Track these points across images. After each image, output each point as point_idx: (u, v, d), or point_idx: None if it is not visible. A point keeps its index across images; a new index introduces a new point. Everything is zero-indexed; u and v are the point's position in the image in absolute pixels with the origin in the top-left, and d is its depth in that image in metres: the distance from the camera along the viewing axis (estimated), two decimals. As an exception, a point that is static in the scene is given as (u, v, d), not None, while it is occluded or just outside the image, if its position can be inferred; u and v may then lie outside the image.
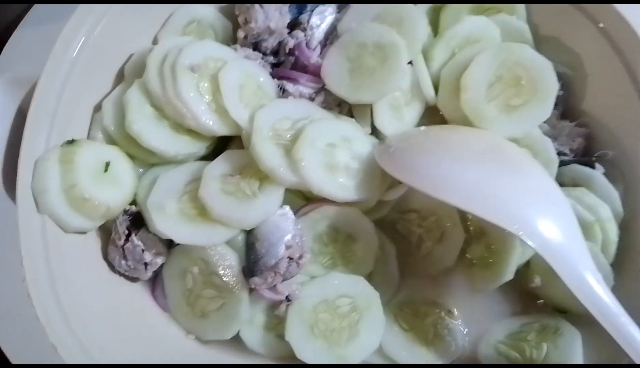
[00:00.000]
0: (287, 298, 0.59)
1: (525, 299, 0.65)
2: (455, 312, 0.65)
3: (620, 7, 0.62)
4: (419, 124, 0.67)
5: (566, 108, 0.71)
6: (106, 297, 0.59)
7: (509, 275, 0.61)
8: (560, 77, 0.67)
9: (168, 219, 0.58)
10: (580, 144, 0.68)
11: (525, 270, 0.64)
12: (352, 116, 0.66)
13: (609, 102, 0.66)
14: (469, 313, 0.65)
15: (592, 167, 0.66)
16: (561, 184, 0.64)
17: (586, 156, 0.68)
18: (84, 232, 0.59)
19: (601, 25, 0.64)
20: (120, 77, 0.66)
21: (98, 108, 0.63)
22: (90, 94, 0.63)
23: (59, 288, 0.52)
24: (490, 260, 0.63)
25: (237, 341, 0.61)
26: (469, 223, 0.65)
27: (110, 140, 0.62)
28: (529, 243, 0.52)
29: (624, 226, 0.63)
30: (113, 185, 0.58)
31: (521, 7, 0.68)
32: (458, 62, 0.65)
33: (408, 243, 0.66)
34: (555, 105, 0.67)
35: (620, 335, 0.49)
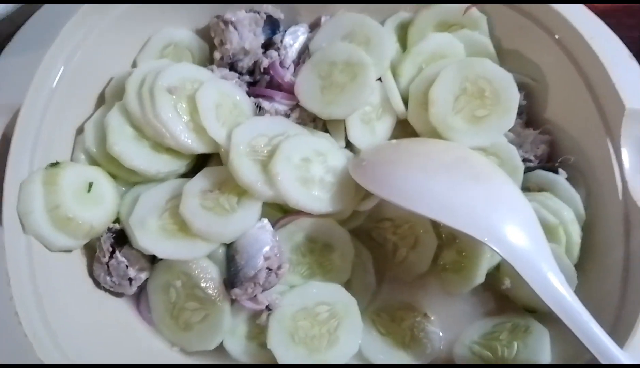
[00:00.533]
0: (268, 308, 0.60)
1: (497, 301, 0.67)
2: (431, 315, 0.66)
3: (573, 19, 0.65)
4: (391, 137, 0.70)
5: (530, 117, 0.74)
6: (92, 312, 0.60)
7: (480, 278, 0.64)
8: (523, 87, 0.72)
9: (150, 235, 0.59)
10: (544, 151, 0.71)
11: (495, 273, 0.66)
12: (327, 131, 0.68)
13: (569, 109, 0.69)
14: (444, 316, 0.67)
15: (556, 172, 0.68)
16: (527, 189, 0.69)
17: (550, 162, 0.71)
18: (69, 251, 0.60)
19: (557, 36, 0.67)
20: (101, 100, 0.67)
21: (80, 130, 0.64)
22: (72, 117, 0.64)
23: (46, 305, 0.53)
24: (462, 265, 0.65)
25: (220, 351, 0.62)
26: (441, 230, 0.67)
27: (93, 161, 0.63)
28: (495, 249, 0.54)
29: (587, 228, 0.65)
30: (96, 205, 0.60)
31: (483, 23, 0.71)
32: (425, 77, 0.68)
33: (383, 250, 0.68)
34: (519, 114, 0.71)
35: (582, 332, 0.51)
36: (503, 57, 0.72)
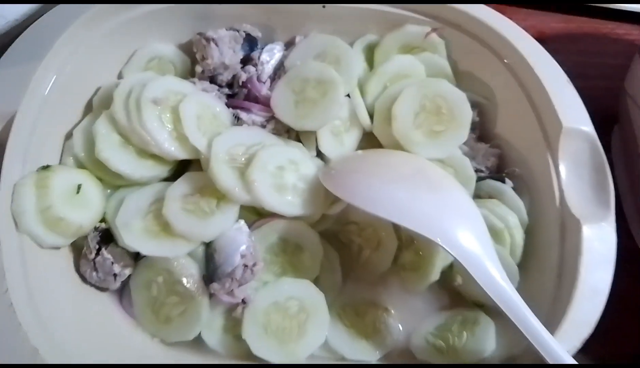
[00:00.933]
0: (243, 301, 0.64)
1: (450, 297, 0.71)
2: (391, 310, 0.70)
3: (520, 46, 0.71)
4: (358, 148, 0.74)
5: (482, 132, 0.78)
6: (79, 305, 0.63)
7: (435, 276, 0.67)
8: (476, 105, 0.77)
9: (135, 235, 0.62)
10: (494, 163, 0.75)
11: (449, 271, 0.69)
12: (300, 141, 0.72)
13: (516, 126, 0.75)
14: (403, 311, 0.70)
15: (503, 181, 0.73)
16: (478, 196, 0.73)
17: (498, 173, 0.75)
18: (57, 248, 0.63)
19: (506, 61, 0.73)
20: (88, 108, 0.70)
21: (69, 136, 0.67)
22: (62, 124, 0.67)
23: (37, 298, 0.56)
24: (419, 264, 0.69)
25: (198, 342, 0.65)
26: (401, 233, 0.71)
27: (80, 165, 0.66)
28: (447, 249, 0.59)
29: (529, 232, 0.70)
30: (84, 206, 0.63)
31: (442, 47, 0.77)
32: (389, 95, 0.72)
33: (349, 251, 0.71)
34: (473, 129, 0.76)
35: (520, 322, 0.56)
36: (459, 77, 0.77)
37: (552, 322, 0.60)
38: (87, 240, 0.64)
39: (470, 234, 0.61)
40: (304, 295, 0.66)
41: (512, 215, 0.70)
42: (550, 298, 0.64)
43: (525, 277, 0.67)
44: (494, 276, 0.59)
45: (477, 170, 0.74)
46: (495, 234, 0.68)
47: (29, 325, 0.55)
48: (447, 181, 0.67)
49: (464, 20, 0.75)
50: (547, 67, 0.71)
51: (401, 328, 0.71)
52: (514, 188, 0.73)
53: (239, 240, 0.64)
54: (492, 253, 0.61)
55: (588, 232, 0.63)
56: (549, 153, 0.69)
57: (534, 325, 0.56)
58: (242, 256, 0.63)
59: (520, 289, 0.59)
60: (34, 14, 0.63)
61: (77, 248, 0.66)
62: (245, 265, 0.63)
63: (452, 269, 0.71)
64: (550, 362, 0.55)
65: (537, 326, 0.56)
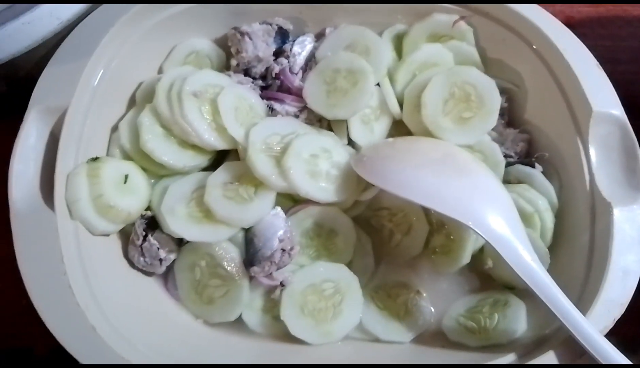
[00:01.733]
0: (281, 284, 0.66)
1: (481, 280, 0.72)
2: (423, 292, 0.71)
3: (549, 32, 0.71)
4: (388, 136, 0.74)
5: (510, 118, 0.79)
6: (128, 288, 0.66)
7: (466, 259, 0.68)
8: (505, 92, 0.77)
9: (179, 221, 0.65)
10: (523, 148, 0.76)
11: (479, 255, 0.70)
12: (331, 130, 0.72)
13: (545, 111, 0.75)
14: (434, 293, 0.71)
15: (532, 166, 0.73)
16: (508, 181, 0.74)
17: (527, 158, 0.75)
18: (107, 235, 0.66)
19: (535, 47, 0.73)
20: (132, 102, 0.73)
21: (114, 129, 0.70)
22: (109, 118, 0.70)
23: (92, 280, 0.60)
24: (450, 248, 0.70)
25: (239, 323, 0.68)
26: (431, 217, 0.72)
27: (126, 156, 0.68)
28: (477, 231, 0.60)
29: (559, 215, 0.70)
30: (132, 194, 0.65)
31: (470, 35, 0.77)
32: (418, 83, 0.73)
33: (381, 236, 0.72)
34: (501, 115, 0.77)
35: (552, 303, 0.57)
36: (487, 65, 0.77)
37: (583, 303, 0.61)
38: (134, 227, 0.66)
39: (500, 217, 0.62)
40: (339, 277, 0.68)
41: (542, 199, 0.70)
42: (581, 280, 0.64)
43: (555, 260, 0.68)
44: (525, 258, 0.60)
45: (506, 156, 0.74)
46: (525, 218, 0.68)
47: (86, 305, 0.58)
48: (476, 165, 0.67)
49: (492, 7, 0.75)
50: (576, 52, 0.71)
51: (433, 310, 0.72)
52: (544, 173, 0.73)
53: (277, 225, 0.66)
54: (523, 235, 0.62)
55: (619, 214, 0.64)
56: (579, 137, 0.69)
57: (566, 306, 0.57)
58: (280, 240, 0.65)
59: (550, 272, 0.59)
60: (83, 14, 0.66)
61: (125, 235, 0.69)
62: (283, 249, 0.65)
63: (482, 252, 0.72)
64: (582, 341, 0.56)
65: (569, 306, 0.57)
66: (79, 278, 0.59)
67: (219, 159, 0.72)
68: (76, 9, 0.65)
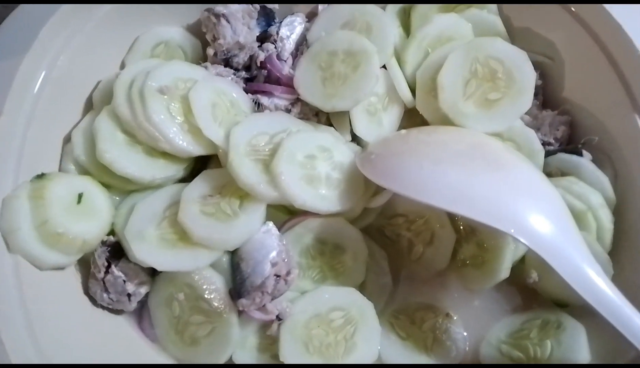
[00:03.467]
0: (278, 317, 0.58)
1: (524, 295, 0.65)
2: (453, 315, 0.64)
3: None
4: (400, 127, 0.68)
5: (546, 97, 0.72)
6: (90, 333, 0.57)
7: (505, 273, 0.61)
8: (537, 66, 0.69)
9: (148, 247, 0.57)
10: (564, 132, 0.69)
11: (520, 265, 0.63)
12: (331, 125, 0.66)
13: (589, 87, 0.67)
14: (467, 315, 0.65)
15: (579, 154, 0.66)
16: (548, 174, 0.66)
17: (571, 144, 0.69)
18: (61, 268, 0.57)
19: (573, 8, 0.64)
20: (89, 106, 0.65)
21: (68, 139, 0.62)
22: (59, 126, 0.62)
23: (37, 329, 0.51)
24: (484, 259, 0.63)
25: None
26: (458, 223, 0.65)
27: (83, 171, 0.61)
28: (521, 240, 0.51)
29: (617, 211, 0.63)
30: (88, 217, 0.58)
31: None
32: (432, 63, 0.66)
33: (398, 248, 0.66)
34: (535, 95, 0.69)
35: (625, 327, 0.49)
36: (514, 36, 0.71)
37: None
38: (94, 256, 0.59)
39: (548, 219, 0.53)
40: (349, 303, 0.61)
41: (594, 194, 0.63)
42: None
43: (619, 269, 0.60)
44: (585, 270, 0.52)
45: (544, 143, 0.67)
46: (576, 218, 0.59)
47: (26, 362, 0.48)
48: (510, 156, 0.59)
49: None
50: (628, 9, 0.61)
51: (467, 337, 0.64)
52: (593, 161, 0.66)
53: (269, 245, 0.58)
54: (578, 239, 0.54)
55: None
56: (636, 114, 0.61)
57: None
58: (273, 264, 0.57)
59: (614, 283, 0.52)
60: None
61: (86, 266, 0.60)
62: (277, 275, 0.57)
63: (524, 263, 0.64)
64: None
65: None
66: (18, 330, 0.50)
67: (198, 167, 0.65)
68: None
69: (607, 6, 0.61)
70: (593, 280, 0.50)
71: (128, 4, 0.64)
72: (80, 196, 0.57)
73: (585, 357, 0.56)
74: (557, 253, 0.51)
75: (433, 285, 0.66)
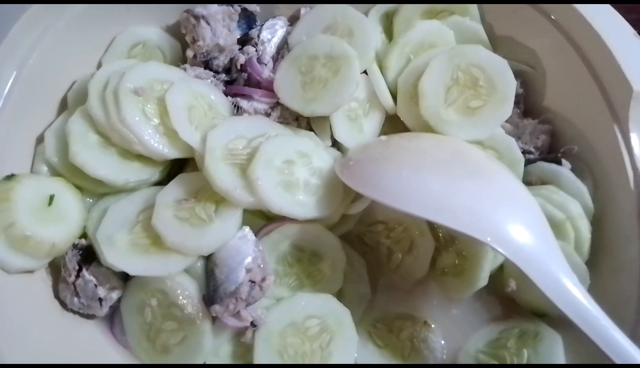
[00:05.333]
0: (253, 324, 0.57)
1: (504, 304, 0.65)
2: (431, 323, 0.63)
3: None
4: (381, 134, 0.67)
5: (528, 106, 0.72)
6: (60, 338, 0.56)
7: (483, 281, 0.61)
8: (519, 75, 0.69)
9: (120, 251, 0.56)
10: (545, 141, 0.69)
11: (499, 274, 0.63)
12: (311, 130, 0.65)
13: (570, 96, 0.67)
14: (445, 324, 0.64)
15: (559, 163, 0.66)
16: (528, 183, 0.66)
17: (552, 153, 0.68)
18: (30, 271, 0.56)
19: (553, 17, 0.64)
20: (63, 106, 0.64)
21: (40, 140, 0.61)
22: (31, 126, 0.61)
23: (3, 334, 0.49)
24: (463, 268, 0.63)
25: None
26: (438, 231, 0.64)
27: (55, 173, 0.60)
28: (499, 250, 0.51)
29: (596, 222, 0.63)
30: (58, 220, 0.57)
31: (474, 8, 0.69)
32: (414, 69, 0.65)
33: (377, 256, 0.65)
34: (516, 103, 0.69)
35: (600, 338, 0.48)
36: (496, 44, 0.71)
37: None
38: (64, 260, 0.57)
39: (526, 229, 0.53)
40: (326, 311, 0.60)
41: (573, 203, 0.63)
42: (635, 304, 0.57)
43: (597, 279, 0.60)
44: (561, 280, 0.51)
45: (524, 152, 0.67)
46: (555, 227, 0.59)
47: None
48: (491, 164, 0.59)
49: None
50: (607, 19, 0.62)
51: (444, 345, 0.63)
52: (573, 170, 0.66)
53: (244, 251, 0.57)
54: (555, 249, 0.53)
55: None
56: (616, 124, 0.61)
57: (617, 340, 0.48)
58: (248, 270, 0.56)
59: (592, 294, 0.51)
60: None
61: (57, 270, 0.59)
62: (252, 281, 0.56)
63: (502, 272, 0.64)
64: None
65: (622, 340, 0.49)
66: None
67: (175, 171, 0.64)
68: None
69: (589, 17, 0.61)
70: (569, 290, 0.50)
71: (104, 3, 0.63)
72: (51, 198, 0.56)
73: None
74: (534, 262, 0.51)
75: (412, 294, 0.65)
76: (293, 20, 0.71)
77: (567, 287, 0.50)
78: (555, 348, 0.57)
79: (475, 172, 0.55)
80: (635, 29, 0.75)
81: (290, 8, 0.71)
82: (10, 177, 0.55)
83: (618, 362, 0.47)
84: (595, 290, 0.56)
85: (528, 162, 0.66)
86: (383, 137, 0.65)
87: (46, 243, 0.54)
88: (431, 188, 0.54)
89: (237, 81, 0.67)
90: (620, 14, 0.63)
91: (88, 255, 0.57)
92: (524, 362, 0.58)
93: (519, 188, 0.56)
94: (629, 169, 0.59)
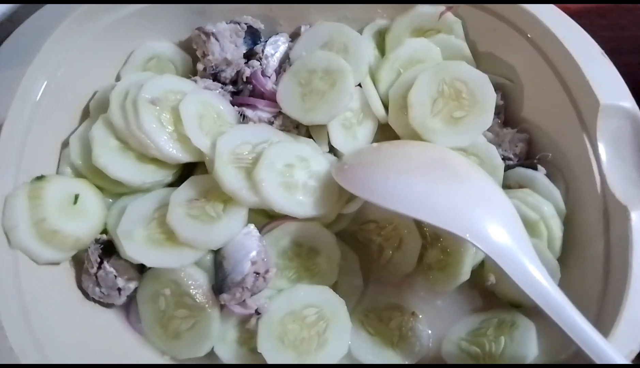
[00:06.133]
0: (257, 312, 0.60)
1: (483, 297, 0.68)
2: (419, 314, 0.66)
3: (545, 19, 0.66)
4: (374, 141, 0.70)
5: (507, 116, 0.75)
6: (81, 324, 0.60)
7: (465, 275, 0.64)
8: (499, 88, 0.73)
9: (138, 245, 0.59)
10: (523, 149, 0.72)
11: (480, 270, 0.66)
12: (310, 137, 0.69)
13: (545, 108, 0.70)
14: (431, 315, 0.67)
15: (535, 168, 0.69)
16: (507, 186, 0.69)
17: (528, 159, 0.72)
18: (56, 263, 0.60)
19: (529, 35, 0.68)
20: (86, 114, 0.68)
21: (66, 144, 0.65)
22: (58, 131, 0.65)
23: (33, 318, 0.53)
24: (447, 263, 0.66)
25: (212, 358, 0.62)
26: (425, 230, 0.68)
27: (79, 174, 0.64)
28: (477, 245, 0.54)
29: (567, 222, 0.66)
30: (82, 217, 0.60)
31: (458, 27, 0.72)
32: (403, 82, 0.69)
33: (369, 252, 0.68)
34: (497, 114, 0.72)
35: (566, 324, 0.51)
36: (479, 59, 0.73)
37: (603, 323, 0.56)
38: (87, 253, 0.61)
39: (502, 227, 0.56)
40: (322, 301, 0.63)
41: (546, 205, 0.66)
42: (599, 295, 0.59)
43: (567, 273, 0.63)
44: (532, 272, 0.54)
45: (504, 158, 0.70)
46: (529, 226, 0.63)
47: (23, 348, 0.51)
48: (471, 169, 0.62)
49: (481, -5, 0.70)
50: (577, 39, 0.66)
51: (430, 334, 0.67)
52: (547, 175, 0.69)
53: (249, 246, 0.60)
54: (528, 247, 0.56)
55: (637, 218, 0.58)
56: (585, 134, 0.64)
57: (582, 327, 0.51)
58: (253, 263, 0.59)
59: (562, 287, 0.55)
60: (12, 14, 0.59)
61: (79, 262, 0.63)
62: (257, 273, 0.59)
63: (483, 267, 0.67)
64: None
65: (586, 328, 0.51)
66: (15, 317, 0.53)
67: (186, 173, 0.67)
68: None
69: (561, 36, 0.65)
70: (539, 282, 0.53)
71: (122, 20, 0.67)
72: (76, 197, 0.60)
73: (533, 351, 0.59)
74: (507, 256, 0.54)
75: (401, 287, 0.68)
76: (294, 36, 0.74)
77: (537, 278, 0.53)
78: (528, 335, 0.61)
79: (455, 176, 0.59)
80: (609, 31, 0.80)
81: (291, 25, 0.75)
82: (40, 178, 0.59)
83: (581, 345, 0.50)
84: (566, 283, 0.60)
85: (507, 168, 0.69)
86: (375, 144, 0.68)
87: (72, 237, 0.58)
88: (415, 189, 0.57)
89: (243, 92, 0.71)
90: (588, 32, 0.66)
91: (108, 249, 0.61)
92: (501, 347, 0.61)
93: (495, 190, 0.60)
94: (597, 174, 0.62)
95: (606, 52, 0.66)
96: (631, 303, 0.54)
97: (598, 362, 0.49)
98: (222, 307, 0.61)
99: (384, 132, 0.71)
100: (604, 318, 0.56)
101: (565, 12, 0.68)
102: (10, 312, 0.52)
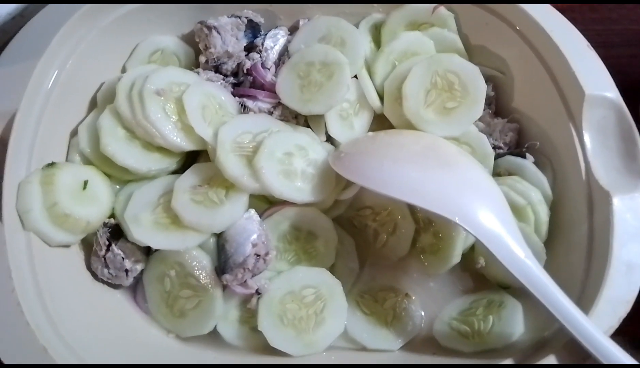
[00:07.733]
0: (257, 292, 0.63)
1: (474, 279, 0.70)
2: (412, 295, 0.68)
3: (535, 13, 0.68)
4: (369, 131, 0.72)
5: (498, 107, 0.77)
6: (91, 303, 0.62)
7: (456, 258, 0.66)
8: (491, 80, 0.75)
9: (144, 229, 0.62)
10: (512, 138, 0.73)
11: (470, 253, 0.68)
12: (309, 127, 0.71)
13: (534, 99, 0.72)
14: (424, 296, 0.69)
15: (523, 157, 0.71)
16: (497, 174, 0.71)
17: (518, 148, 0.73)
18: (67, 246, 0.63)
19: (518, 28, 0.70)
20: (93, 104, 0.70)
21: (74, 133, 0.67)
22: (67, 121, 0.67)
23: (46, 296, 0.56)
24: (439, 247, 0.68)
25: (214, 336, 0.64)
26: (418, 215, 0.70)
27: (87, 161, 0.66)
28: (466, 228, 0.57)
29: (554, 207, 0.67)
30: (92, 202, 0.63)
31: (451, 21, 0.74)
32: (398, 74, 0.71)
33: (365, 236, 0.70)
34: (488, 104, 0.74)
35: (550, 302, 0.54)
36: (471, 52, 0.75)
37: (585, 301, 0.58)
38: (96, 236, 0.64)
39: (490, 212, 0.59)
40: (320, 282, 0.65)
41: (534, 191, 0.68)
42: (581, 276, 0.61)
43: (552, 256, 0.65)
44: (519, 255, 0.57)
45: (494, 147, 0.72)
46: (517, 211, 0.66)
47: (38, 323, 0.54)
48: (461, 157, 0.65)
49: (473, -10, 0.72)
50: (564, 32, 0.68)
51: (423, 314, 0.69)
52: (535, 163, 0.71)
53: (250, 230, 0.63)
54: (515, 230, 0.59)
55: (619, 204, 0.60)
56: (572, 123, 0.66)
57: (565, 305, 0.54)
58: (254, 245, 0.62)
59: (547, 268, 0.57)
60: (17, 14, 0.62)
61: (88, 245, 0.66)
62: (257, 255, 0.62)
63: (473, 250, 0.69)
64: (585, 343, 0.52)
65: (569, 306, 0.54)
66: (30, 295, 0.55)
67: (189, 161, 0.70)
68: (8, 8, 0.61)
69: (549, 30, 0.67)
70: (525, 263, 0.55)
71: (128, 15, 0.69)
72: (85, 183, 0.62)
73: (520, 328, 0.62)
74: (496, 240, 0.56)
75: (395, 269, 0.69)
76: (293, 30, 0.76)
77: (522, 259, 0.56)
78: (515, 314, 0.63)
79: (446, 163, 0.62)
80: (600, 25, 0.81)
81: (290, 19, 0.77)
82: (51, 165, 0.61)
83: (563, 322, 0.53)
84: (551, 265, 0.62)
85: (498, 156, 0.71)
86: (370, 133, 0.71)
87: (82, 221, 0.60)
88: (408, 176, 0.60)
89: (244, 84, 0.73)
90: (580, 26, 0.68)
91: (116, 232, 0.64)
92: (489, 326, 0.63)
93: (484, 177, 0.62)
94: (582, 161, 0.64)
95: (597, 45, 0.67)
96: (611, 282, 0.56)
97: (579, 337, 0.52)
98: (225, 288, 0.64)
99: (380, 122, 0.73)
100: (586, 297, 0.58)
101: (557, 7, 0.70)
102: (25, 290, 0.55)
